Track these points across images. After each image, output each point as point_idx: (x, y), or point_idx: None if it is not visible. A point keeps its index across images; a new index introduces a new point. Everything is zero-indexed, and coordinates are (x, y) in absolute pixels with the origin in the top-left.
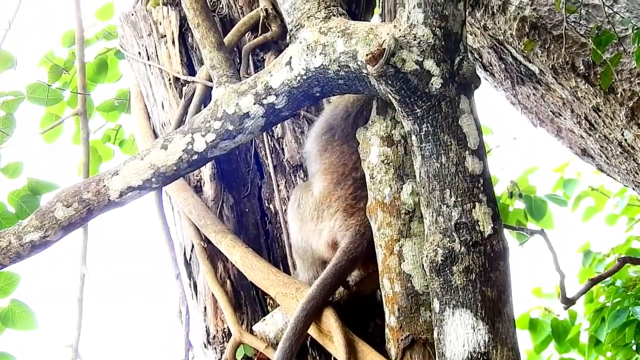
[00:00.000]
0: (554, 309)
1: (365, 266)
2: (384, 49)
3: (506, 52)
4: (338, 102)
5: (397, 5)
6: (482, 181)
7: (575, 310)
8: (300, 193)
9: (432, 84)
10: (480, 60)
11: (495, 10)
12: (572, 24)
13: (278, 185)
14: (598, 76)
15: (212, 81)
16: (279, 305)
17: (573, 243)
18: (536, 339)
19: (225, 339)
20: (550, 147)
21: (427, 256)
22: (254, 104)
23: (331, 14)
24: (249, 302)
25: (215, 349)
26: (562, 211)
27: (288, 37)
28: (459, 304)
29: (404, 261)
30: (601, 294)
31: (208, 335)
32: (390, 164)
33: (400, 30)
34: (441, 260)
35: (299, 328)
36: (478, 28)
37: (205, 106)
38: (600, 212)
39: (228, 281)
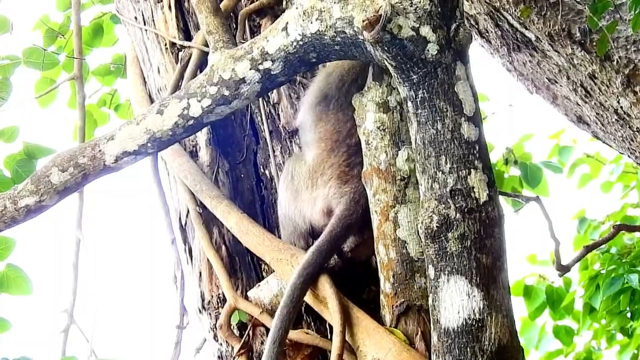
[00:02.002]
0: (548, 276)
1: (360, 233)
2: (380, 15)
3: (502, 18)
4: (332, 70)
5: None
6: (477, 148)
7: (570, 277)
8: (293, 165)
9: (428, 51)
10: (476, 27)
11: None
12: None
13: (274, 151)
14: (594, 43)
15: (208, 46)
16: (274, 271)
17: (568, 210)
18: (531, 305)
19: (220, 304)
20: (546, 114)
21: (422, 222)
22: (250, 69)
23: None
24: (244, 267)
25: (210, 314)
26: (558, 178)
27: (284, 2)
28: (454, 270)
29: (399, 227)
30: (596, 262)
31: (203, 300)
32: (386, 130)
33: None
34: (436, 226)
35: (296, 295)
36: None
37: (201, 71)
38: (596, 179)
39: (223, 247)
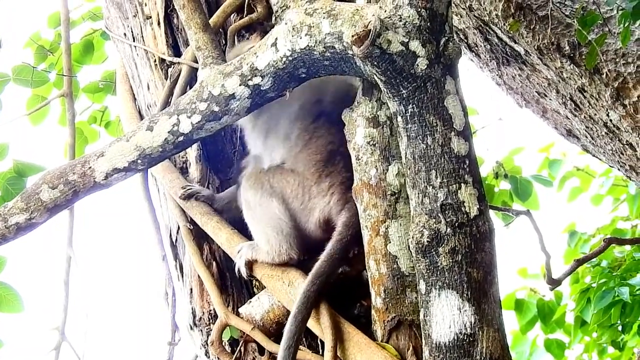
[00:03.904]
0: (539, 289)
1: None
2: (370, 30)
3: (492, 32)
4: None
5: None
6: (467, 162)
7: (561, 290)
8: (272, 174)
9: (417, 65)
10: (465, 41)
11: None
12: (558, 4)
13: None
14: (583, 57)
15: (197, 62)
16: (265, 287)
17: (558, 223)
18: (522, 319)
19: (211, 320)
20: (536, 127)
21: (413, 237)
22: (240, 85)
23: None
24: (235, 284)
25: (201, 330)
26: (548, 192)
27: (273, 18)
28: (445, 285)
29: (389, 242)
30: (587, 275)
31: (194, 317)
32: (376, 145)
33: (385, 11)
34: (427, 241)
35: (310, 302)
36: (463, 9)
37: (190, 87)
38: (586, 192)
39: (214, 263)
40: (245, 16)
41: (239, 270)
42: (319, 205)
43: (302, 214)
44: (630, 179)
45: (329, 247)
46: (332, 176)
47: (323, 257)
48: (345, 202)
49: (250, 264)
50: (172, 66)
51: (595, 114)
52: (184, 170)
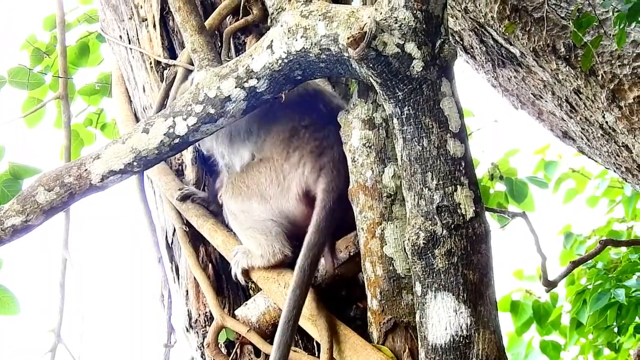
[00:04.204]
0: (535, 291)
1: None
2: (365, 32)
3: (487, 34)
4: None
5: None
6: (463, 164)
7: (557, 292)
8: (246, 174)
9: (413, 67)
10: (461, 43)
11: None
12: (553, 6)
13: None
14: (579, 59)
15: (193, 65)
16: (261, 289)
17: (554, 225)
18: (517, 321)
19: (207, 323)
20: (531, 129)
21: (409, 239)
22: (235, 87)
23: None
24: (231, 286)
25: (197, 333)
26: (543, 193)
27: (269, 20)
28: (441, 287)
29: (385, 244)
30: (582, 276)
31: (190, 319)
32: (372, 147)
33: (381, 13)
34: (423, 243)
35: (306, 277)
36: (459, 11)
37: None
38: (581, 194)
39: (210, 265)
40: (241, 18)
41: (235, 274)
42: (294, 179)
43: (282, 197)
44: (626, 181)
45: (314, 217)
46: (300, 148)
47: (311, 228)
48: (320, 169)
49: (246, 272)
50: (168, 68)
51: (591, 116)
52: (179, 173)
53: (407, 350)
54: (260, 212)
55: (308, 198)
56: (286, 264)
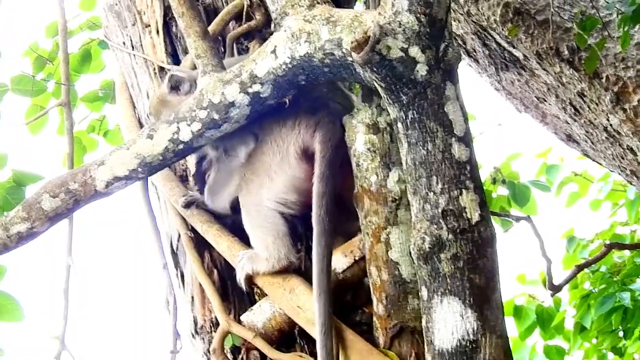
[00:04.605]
0: (538, 295)
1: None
2: (369, 36)
3: (490, 38)
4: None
5: None
6: (468, 168)
7: (560, 296)
8: (252, 161)
9: (417, 71)
10: (464, 46)
11: None
12: (556, 9)
13: None
14: (582, 61)
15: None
16: (266, 294)
17: (557, 229)
18: (521, 325)
19: (213, 328)
20: (533, 132)
21: (414, 244)
22: (239, 92)
23: (315, 1)
24: (236, 291)
25: (203, 338)
26: (546, 197)
27: (272, 25)
28: (447, 291)
29: (391, 249)
30: (586, 280)
31: (196, 325)
32: (377, 151)
33: (385, 17)
34: (429, 247)
35: (327, 227)
36: (462, 14)
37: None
38: (584, 197)
39: (215, 271)
40: (244, 24)
41: (239, 280)
42: (291, 141)
43: (284, 164)
44: (631, 184)
45: (316, 168)
46: (294, 111)
47: (315, 179)
48: (315, 124)
49: (251, 277)
50: None
51: (595, 119)
52: (184, 179)
53: (413, 355)
54: (270, 198)
55: (308, 155)
56: (291, 270)
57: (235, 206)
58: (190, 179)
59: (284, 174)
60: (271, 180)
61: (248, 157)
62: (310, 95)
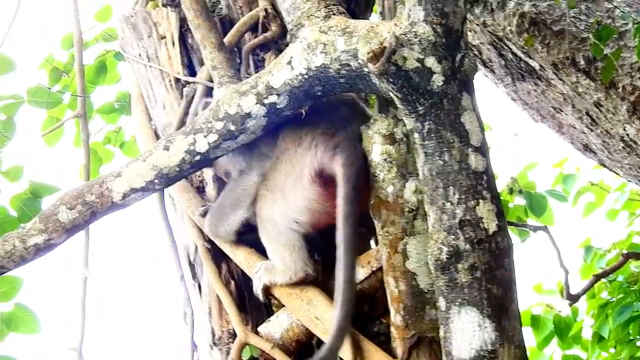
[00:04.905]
0: (555, 305)
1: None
2: (385, 47)
3: (506, 48)
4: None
5: (397, 3)
6: (485, 178)
7: (577, 306)
8: (268, 178)
9: (433, 82)
10: (480, 57)
11: (494, 7)
12: (572, 19)
13: None
14: (599, 71)
15: (213, 82)
16: (284, 305)
17: (574, 239)
18: (539, 335)
19: (230, 339)
20: (550, 142)
21: (431, 254)
22: (256, 103)
23: (331, 12)
24: (254, 302)
25: (220, 350)
26: (562, 207)
27: (288, 36)
28: (464, 301)
29: (408, 259)
30: (603, 290)
31: (213, 336)
32: (393, 162)
33: (400, 28)
34: (446, 258)
35: (353, 244)
36: (477, 25)
37: (206, 107)
38: (601, 207)
39: (232, 282)
40: (260, 35)
41: (257, 291)
42: (306, 162)
43: (297, 184)
44: None
45: (340, 190)
46: (311, 132)
47: (340, 200)
48: (334, 147)
49: (268, 288)
50: (188, 86)
51: (612, 129)
52: (200, 190)
53: None
54: (283, 216)
55: (322, 178)
56: (308, 281)
57: (242, 230)
58: (207, 190)
59: (297, 195)
60: (285, 199)
61: (265, 172)
62: (329, 116)
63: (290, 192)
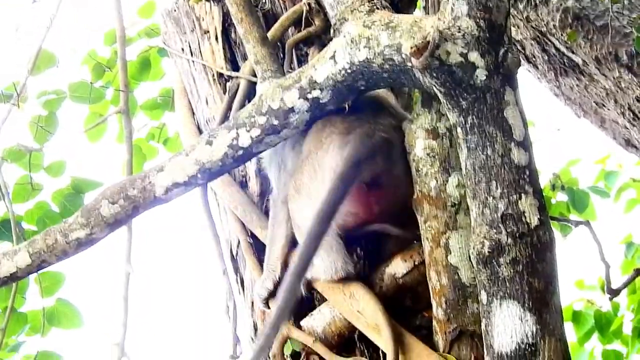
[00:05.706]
0: (596, 300)
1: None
2: (429, 41)
3: (549, 43)
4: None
5: None
6: (528, 172)
7: (618, 301)
8: (295, 176)
9: (476, 76)
10: (523, 52)
11: (537, 2)
12: (615, 14)
13: None
14: None
15: (256, 76)
16: (326, 299)
17: (615, 235)
18: (579, 331)
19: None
20: (592, 137)
21: (474, 248)
22: (299, 98)
23: (375, 7)
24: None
25: None
26: (604, 203)
27: (332, 31)
28: (506, 295)
29: (450, 254)
30: None
31: (255, 330)
32: (436, 156)
33: (444, 22)
34: (488, 251)
35: (313, 242)
36: (520, 20)
37: (249, 101)
38: None
39: None
40: (303, 29)
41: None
42: (326, 166)
43: (322, 188)
44: None
45: (326, 186)
46: (331, 133)
47: (324, 192)
48: (345, 145)
49: (309, 283)
50: (230, 80)
51: None
52: (243, 184)
53: (473, 358)
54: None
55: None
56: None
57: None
58: (250, 184)
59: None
60: (311, 202)
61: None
62: (349, 117)
63: (316, 197)
